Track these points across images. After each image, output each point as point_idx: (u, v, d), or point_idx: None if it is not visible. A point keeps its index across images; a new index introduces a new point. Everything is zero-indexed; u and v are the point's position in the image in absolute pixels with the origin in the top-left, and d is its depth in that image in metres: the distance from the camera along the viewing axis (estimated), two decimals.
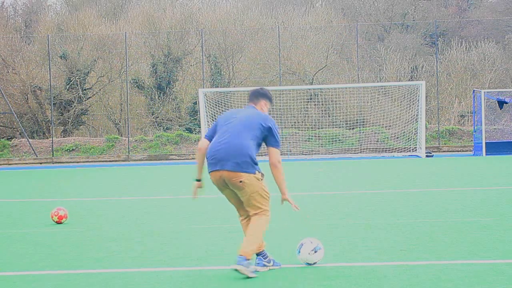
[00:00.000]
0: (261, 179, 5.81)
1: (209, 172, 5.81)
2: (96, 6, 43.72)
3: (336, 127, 31.31)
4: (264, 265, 5.92)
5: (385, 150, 28.50)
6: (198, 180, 6.08)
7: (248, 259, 5.59)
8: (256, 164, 5.78)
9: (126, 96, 32.91)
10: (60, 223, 9.21)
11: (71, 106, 34.11)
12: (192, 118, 33.41)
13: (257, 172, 5.77)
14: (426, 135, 28.09)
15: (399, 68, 35.30)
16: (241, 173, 5.66)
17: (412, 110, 28.31)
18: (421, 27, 41.62)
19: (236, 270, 5.56)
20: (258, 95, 6.24)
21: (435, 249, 6.69)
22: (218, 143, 5.78)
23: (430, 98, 33.48)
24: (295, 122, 32.66)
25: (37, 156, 30.37)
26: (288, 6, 41.57)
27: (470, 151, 28.45)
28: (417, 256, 6.37)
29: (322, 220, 8.98)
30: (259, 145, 5.87)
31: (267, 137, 5.87)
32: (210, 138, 5.96)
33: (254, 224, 5.77)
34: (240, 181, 5.66)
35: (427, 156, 25.50)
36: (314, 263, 6.03)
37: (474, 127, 27.43)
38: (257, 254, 5.96)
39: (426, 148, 26.78)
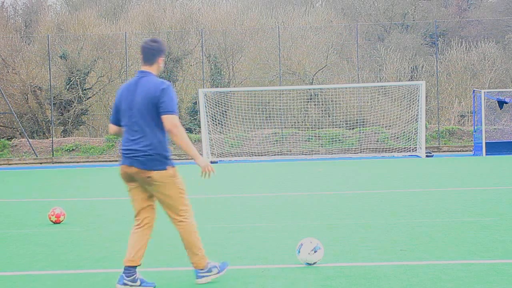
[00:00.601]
0: (175, 175, 5.40)
1: (119, 165, 5.53)
2: (96, 6, 43.73)
3: (336, 127, 31.31)
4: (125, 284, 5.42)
5: (385, 150, 28.50)
6: None
7: (203, 269, 5.53)
8: (166, 158, 5.37)
9: None
10: (59, 222, 9.21)
11: (71, 106, 34.11)
12: (192, 118, 33.41)
13: (168, 167, 5.37)
14: (426, 135, 28.08)
15: (399, 68, 35.30)
16: (150, 171, 5.31)
17: (412, 110, 28.31)
18: (421, 27, 41.62)
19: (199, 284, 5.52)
20: (154, 53, 5.50)
21: (435, 249, 6.69)
22: (127, 141, 5.41)
23: (430, 98, 33.48)
24: (295, 122, 32.66)
25: (37, 156, 30.36)
26: (288, 6, 41.59)
27: (470, 151, 28.45)
28: (417, 256, 6.37)
29: (322, 220, 8.98)
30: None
31: (160, 104, 5.30)
32: (115, 122, 5.55)
33: (183, 237, 5.51)
34: (148, 177, 5.34)
35: (427, 156, 25.49)
36: (314, 263, 6.03)
37: (474, 127, 27.43)
38: (125, 269, 5.44)
39: (426, 148, 26.78)
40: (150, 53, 5.50)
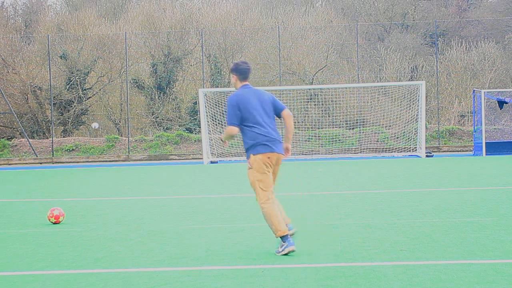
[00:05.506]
0: None
1: None
2: (96, 6, 43.74)
3: (336, 127, 31.31)
4: None
5: (385, 150, 28.49)
6: None
7: None
8: None
9: (126, 96, 32.91)
10: (59, 222, 9.20)
11: (71, 106, 34.11)
12: (192, 118, 33.41)
13: None
14: (426, 135, 28.08)
15: (399, 68, 35.30)
16: None
17: (412, 110, 28.30)
18: (421, 27, 41.62)
19: None
20: None
21: (435, 249, 6.68)
22: None
23: (430, 98, 33.48)
24: (295, 122, 32.64)
25: (37, 156, 30.36)
26: (288, 6, 41.59)
27: (470, 151, 28.45)
28: (417, 256, 6.37)
29: (322, 220, 8.97)
30: None
31: None
32: None
33: None
34: None
35: (427, 156, 25.49)
36: None
37: (474, 127, 27.42)
38: None
39: (426, 148, 26.77)
40: None
